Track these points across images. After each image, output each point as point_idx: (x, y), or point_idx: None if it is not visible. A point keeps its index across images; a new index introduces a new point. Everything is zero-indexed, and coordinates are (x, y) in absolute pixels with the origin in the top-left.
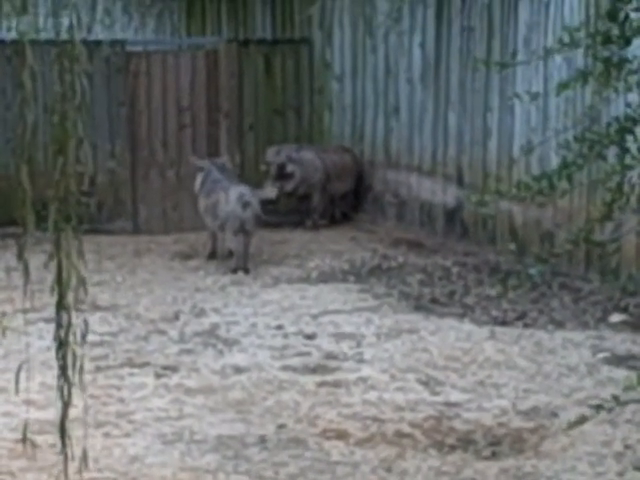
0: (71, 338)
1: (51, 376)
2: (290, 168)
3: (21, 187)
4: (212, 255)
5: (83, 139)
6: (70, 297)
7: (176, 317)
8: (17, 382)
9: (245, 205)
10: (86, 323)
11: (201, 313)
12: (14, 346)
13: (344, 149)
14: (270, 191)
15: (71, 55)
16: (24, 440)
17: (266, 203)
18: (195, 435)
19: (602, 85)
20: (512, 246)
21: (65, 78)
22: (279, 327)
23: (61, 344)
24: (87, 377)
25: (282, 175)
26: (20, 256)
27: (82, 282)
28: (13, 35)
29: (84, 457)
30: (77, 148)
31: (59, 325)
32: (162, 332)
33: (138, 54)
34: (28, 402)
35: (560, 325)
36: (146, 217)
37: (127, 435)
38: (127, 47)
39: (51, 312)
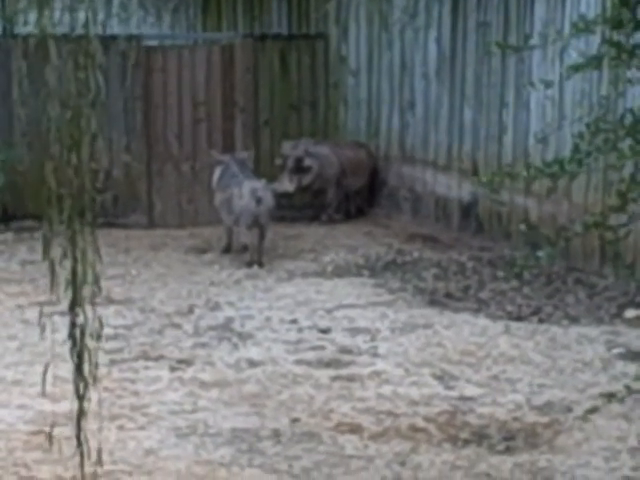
0: (86, 334)
1: (66, 369)
2: (308, 162)
3: (46, 184)
4: (227, 249)
5: (97, 135)
6: (85, 293)
7: (191, 311)
8: (44, 380)
9: (258, 200)
10: (100, 320)
11: (216, 307)
12: (29, 339)
13: (359, 144)
14: (288, 184)
15: (86, 51)
16: (47, 434)
17: (283, 196)
18: (209, 428)
19: (613, 69)
20: (523, 227)
21: (79, 74)
22: (294, 321)
23: (75, 341)
24: (102, 370)
25: (299, 168)
26: (45, 252)
27: (96, 278)
28: (28, 29)
29: (99, 452)
30: (91, 144)
31: (73, 323)
32: (177, 326)
33: (154, 49)
34: (43, 395)
35: (575, 320)
36: (161, 211)
37: (142, 428)
38: (143, 42)
39: (66, 306)
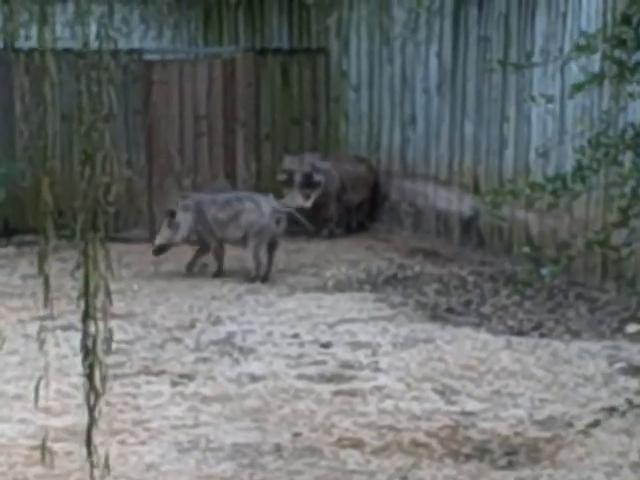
0: (97, 345)
1: (67, 384)
2: (317, 177)
3: (42, 198)
4: (219, 273)
5: (111, 150)
6: (96, 306)
7: (192, 325)
8: (37, 392)
9: (279, 220)
10: (111, 331)
11: (217, 321)
12: (30, 354)
13: (359, 159)
14: (302, 200)
15: (98, 66)
16: (42, 448)
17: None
18: (211, 443)
19: (615, 85)
20: (526, 249)
21: (91, 89)
22: (295, 336)
23: (87, 353)
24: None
25: (309, 184)
26: (40, 267)
27: (107, 292)
28: (30, 44)
29: (106, 464)
30: (104, 159)
31: (86, 334)
32: (178, 340)
33: (155, 63)
34: (44, 409)
35: (576, 335)
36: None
37: (143, 443)
38: (144, 56)
39: (68, 320)
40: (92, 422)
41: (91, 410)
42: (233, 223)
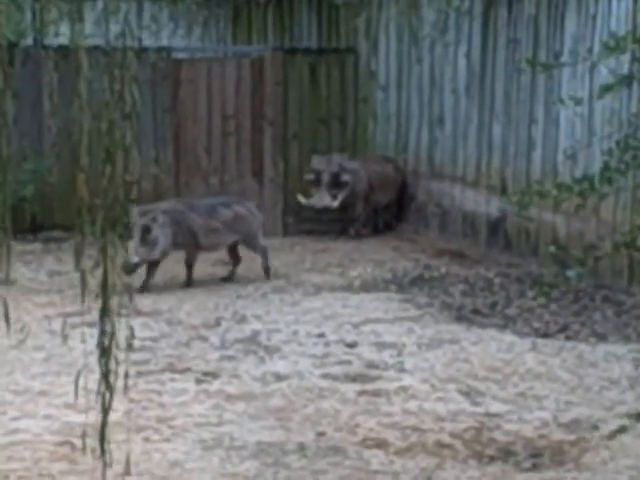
0: (114, 344)
1: (92, 380)
2: (344, 177)
3: (77, 194)
4: (190, 283)
5: (131, 147)
6: (114, 303)
7: (217, 323)
8: (76, 387)
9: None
10: (132, 330)
11: (242, 320)
12: (56, 350)
13: (386, 159)
14: (329, 200)
15: (121, 63)
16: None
17: (320, 211)
18: (235, 441)
19: None
20: (552, 248)
21: (114, 86)
22: (320, 335)
23: (104, 350)
24: (128, 381)
25: (337, 184)
26: (77, 262)
27: (127, 289)
28: (59, 41)
29: (127, 462)
30: (125, 157)
31: (103, 332)
32: (203, 338)
33: (184, 61)
34: (70, 406)
35: (602, 338)
36: None
37: (167, 440)
38: (173, 54)
39: (94, 316)
40: (105, 422)
41: (105, 410)
42: (227, 228)
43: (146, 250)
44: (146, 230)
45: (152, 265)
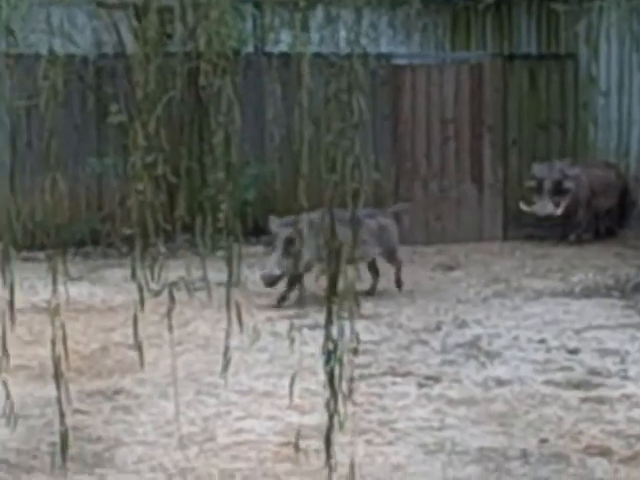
0: (340, 349)
1: (315, 382)
2: (567, 184)
3: (299, 202)
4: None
5: (360, 159)
6: (340, 307)
7: (438, 328)
8: (291, 389)
9: None
10: (357, 336)
11: (463, 324)
12: (279, 351)
13: (608, 165)
14: (552, 207)
15: (349, 72)
16: (295, 445)
17: (544, 219)
18: (457, 446)
19: None
20: None
21: (340, 96)
22: (541, 341)
23: (330, 355)
24: (352, 385)
25: (559, 191)
26: (295, 268)
27: (354, 293)
28: (280, 49)
29: (351, 466)
30: (353, 166)
31: (328, 337)
32: (424, 342)
33: (403, 67)
34: (293, 407)
35: None
36: (408, 228)
37: (390, 443)
38: (392, 60)
39: (315, 319)
40: (332, 426)
41: (331, 415)
42: (373, 240)
43: (289, 263)
44: (289, 242)
45: (294, 278)
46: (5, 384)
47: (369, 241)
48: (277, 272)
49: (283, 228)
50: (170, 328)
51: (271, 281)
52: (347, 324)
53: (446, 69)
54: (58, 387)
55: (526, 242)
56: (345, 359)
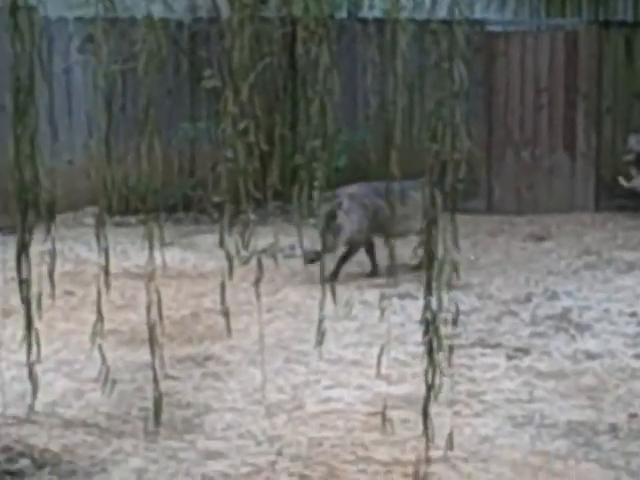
0: (438, 320)
1: (403, 352)
2: None
3: (390, 170)
4: (375, 272)
5: (459, 128)
6: (441, 278)
7: (528, 299)
8: (379, 360)
9: None
10: (457, 306)
11: (553, 296)
12: (368, 320)
13: None
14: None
15: (450, 40)
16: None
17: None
18: (545, 419)
19: None
20: None
21: (443, 64)
22: (633, 314)
23: (428, 326)
24: (441, 356)
25: None
26: (387, 238)
27: (455, 264)
28: (374, 14)
29: (450, 438)
30: (453, 136)
31: (427, 307)
32: (514, 313)
33: (497, 34)
34: (382, 377)
35: None
36: (500, 197)
37: (477, 415)
38: (487, 27)
39: (406, 288)
40: (429, 397)
41: (429, 386)
42: (418, 214)
43: (329, 239)
44: (330, 217)
45: (347, 253)
46: (100, 349)
47: (413, 215)
48: (316, 248)
49: (323, 203)
50: (258, 295)
51: (310, 258)
52: (444, 294)
53: (541, 36)
54: (152, 353)
55: (618, 213)
56: (442, 330)
